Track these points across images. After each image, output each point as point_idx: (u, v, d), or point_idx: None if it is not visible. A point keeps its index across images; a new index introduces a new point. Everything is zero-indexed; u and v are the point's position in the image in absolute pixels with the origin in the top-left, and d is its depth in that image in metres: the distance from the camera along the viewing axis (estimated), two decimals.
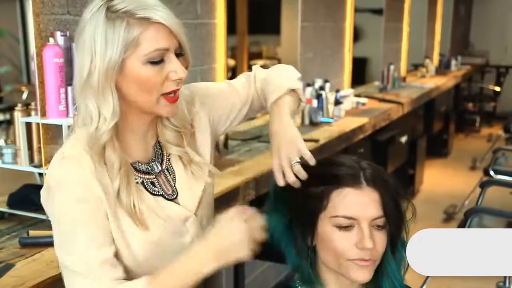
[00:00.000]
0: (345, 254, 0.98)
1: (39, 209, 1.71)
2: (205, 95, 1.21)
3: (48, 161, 1.73)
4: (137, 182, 1.05)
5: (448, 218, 4.26)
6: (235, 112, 1.25)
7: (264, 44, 6.39)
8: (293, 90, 1.16)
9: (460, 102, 7.29)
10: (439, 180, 5.37)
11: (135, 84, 0.98)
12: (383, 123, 3.73)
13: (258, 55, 6.31)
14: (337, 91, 3.44)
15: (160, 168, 1.10)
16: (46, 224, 1.67)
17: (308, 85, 3.31)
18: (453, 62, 7.18)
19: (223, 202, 1.77)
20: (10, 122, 2.46)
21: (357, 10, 4.39)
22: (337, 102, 3.37)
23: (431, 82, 5.65)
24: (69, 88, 1.69)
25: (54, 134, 1.75)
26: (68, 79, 1.70)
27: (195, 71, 2.46)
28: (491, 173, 3.66)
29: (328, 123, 3.14)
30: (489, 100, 8.23)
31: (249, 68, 4.14)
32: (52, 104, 1.67)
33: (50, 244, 1.48)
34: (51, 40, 1.65)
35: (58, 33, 1.68)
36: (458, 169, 5.74)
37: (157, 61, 0.98)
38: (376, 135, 3.64)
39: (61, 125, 1.66)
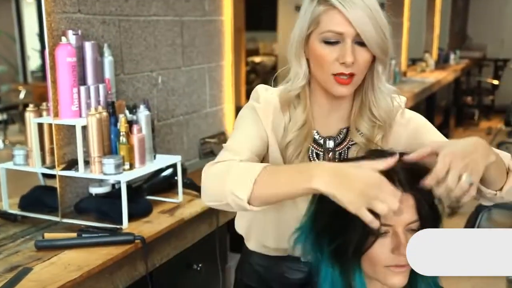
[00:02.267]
0: (382, 262, 0.96)
1: (52, 211, 1.70)
2: (422, 126, 1.19)
3: (60, 162, 1.70)
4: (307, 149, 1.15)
5: (452, 213, 4.25)
6: None
7: (261, 41, 6.35)
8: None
9: (460, 96, 7.28)
10: None
11: (313, 58, 1.10)
12: None
13: (255, 52, 6.27)
14: None
15: (332, 147, 1.17)
16: (60, 226, 1.66)
17: None
18: (452, 56, 7.17)
19: None
20: (7, 122, 2.44)
21: None
22: None
23: (432, 76, 5.64)
24: (82, 88, 1.66)
25: (66, 135, 1.73)
26: (80, 78, 1.68)
27: (203, 69, 2.43)
28: None
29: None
30: (487, 93, 8.24)
31: (247, 65, 4.09)
32: (65, 104, 1.64)
33: (67, 247, 1.47)
34: (63, 39, 1.62)
35: (70, 32, 1.65)
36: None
37: (332, 42, 1.06)
38: None
39: (74, 126, 1.63)
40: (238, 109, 3.98)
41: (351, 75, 1.08)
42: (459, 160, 0.91)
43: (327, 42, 1.06)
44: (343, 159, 1.17)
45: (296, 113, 1.15)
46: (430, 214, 0.98)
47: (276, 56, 5.83)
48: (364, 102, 1.16)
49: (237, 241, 2.51)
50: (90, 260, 1.40)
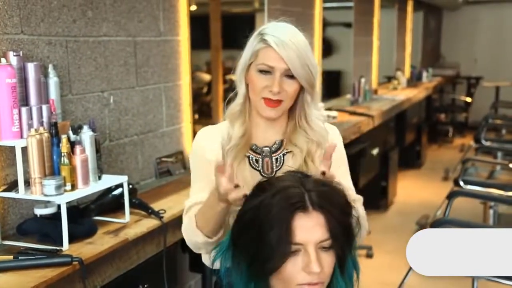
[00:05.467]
0: (294, 280, 0.96)
1: None
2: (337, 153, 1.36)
3: (2, 183, 1.69)
4: (245, 155, 1.35)
5: (420, 229, 4.27)
6: None
7: (239, 59, 6.40)
8: None
9: (432, 113, 7.38)
10: (412, 191, 5.40)
11: (250, 83, 1.33)
12: (353, 136, 3.74)
13: (233, 70, 6.31)
14: None
15: (269, 153, 1.37)
16: (0, 249, 1.63)
17: None
18: (425, 74, 7.28)
19: None
20: None
21: (329, 24, 4.42)
22: None
23: (402, 94, 5.71)
24: (23, 109, 1.66)
25: (9, 156, 1.71)
26: (22, 99, 1.67)
27: (159, 88, 2.44)
28: (461, 183, 3.69)
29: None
30: (461, 110, 8.36)
31: (224, 82, 4.10)
32: (5, 125, 1.63)
33: (1, 270, 1.45)
34: (3, 60, 1.61)
35: (11, 53, 1.65)
36: (432, 180, 5.80)
37: (264, 72, 1.29)
38: (347, 148, 3.63)
39: (14, 147, 1.62)
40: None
41: (279, 101, 1.30)
42: None
43: (261, 71, 1.30)
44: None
45: (236, 126, 1.37)
46: (341, 232, 0.99)
47: None
48: (297, 123, 1.39)
49: (197, 261, 2.50)
50: (23, 283, 1.38)
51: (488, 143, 5.07)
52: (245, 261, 1.00)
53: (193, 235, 1.28)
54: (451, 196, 2.95)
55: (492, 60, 9.07)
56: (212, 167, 1.18)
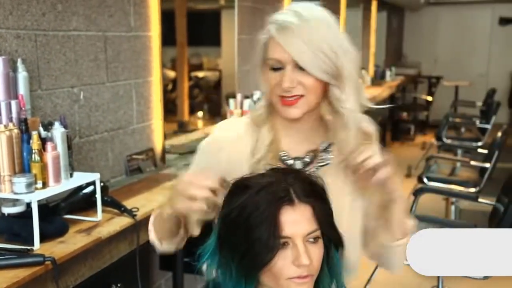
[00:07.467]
0: (284, 274, 0.97)
1: None
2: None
3: None
4: None
5: None
6: None
7: (205, 56, 6.35)
8: None
9: (395, 112, 7.53)
10: None
11: (264, 81, 1.13)
12: None
13: (199, 67, 6.26)
14: None
15: (301, 167, 1.15)
16: None
17: (246, 97, 3.31)
18: (388, 73, 7.42)
19: None
20: None
21: None
22: None
23: (368, 92, 5.80)
24: None
25: None
26: None
27: (129, 84, 2.40)
28: (425, 180, 3.79)
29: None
30: (422, 109, 8.56)
31: (190, 79, 4.08)
32: None
33: None
34: None
35: None
36: (395, 177, 5.90)
37: (275, 68, 1.09)
38: None
39: None
40: (180, 123, 3.96)
41: (300, 96, 1.09)
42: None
43: (272, 68, 1.10)
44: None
45: (262, 132, 1.16)
46: (327, 222, 1.00)
47: (220, 71, 5.85)
48: (327, 124, 1.15)
49: (168, 260, 2.47)
50: None
51: (449, 141, 5.21)
52: (234, 260, 1.00)
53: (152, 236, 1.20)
54: (417, 192, 3.02)
55: (452, 60, 9.33)
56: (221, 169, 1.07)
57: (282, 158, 1.16)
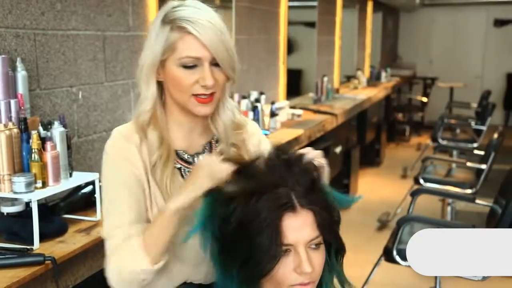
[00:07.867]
0: (286, 281, 0.96)
1: None
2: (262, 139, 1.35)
3: None
4: (175, 167, 1.17)
5: (381, 226, 4.38)
6: None
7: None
8: None
9: (391, 113, 7.55)
10: (373, 189, 5.51)
11: (171, 81, 1.12)
12: (318, 134, 3.79)
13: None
14: (273, 103, 3.46)
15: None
16: None
17: (244, 97, 3.32)
18: (383, 74, 7.44)
19: None
20: None
21: (291, 23, 4.45)
22: (273, 114, 3.39)
23: (363, 93, 5.82)
24: None
25: None
26: None
27: (128, 84, 2.40)
28: (421, 181, 3.80)
29: (264, 135, 3.14)
30: (417, 110, 8.59)
31: None
32: None
33: None
34: None
35: None
36: (391, 178, 5.93)
37: (190, 66, 1.10)
38: (311, 146, 3.68)
39: None
40: None
41: (212, 94, 1.13)
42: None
43: (186, 67, 1.10)
44: None
45: (150, 135, 1.16)
46: (331, 227, 1.00)
47: None
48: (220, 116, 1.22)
49: None
50: None
51: (444, 142, 5.23)
52: (235, 267, 0.98)
53: (134, 265, 1.08)
54: (414, 193, 3.03)
55: (447, 61, 9.38)
56: (138, 182, 1.09)
57: (181, 157, 1.19)
